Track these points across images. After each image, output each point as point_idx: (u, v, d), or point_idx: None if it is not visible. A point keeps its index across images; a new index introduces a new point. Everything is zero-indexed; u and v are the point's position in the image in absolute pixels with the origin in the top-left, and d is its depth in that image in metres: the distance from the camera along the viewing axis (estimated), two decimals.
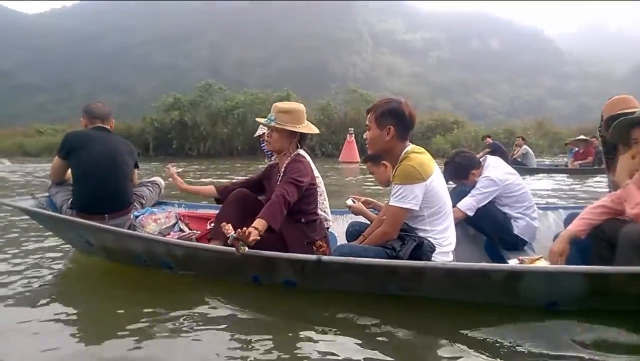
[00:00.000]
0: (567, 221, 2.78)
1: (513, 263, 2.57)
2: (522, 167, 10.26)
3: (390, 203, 2.46)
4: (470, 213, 3.03)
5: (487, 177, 3.07)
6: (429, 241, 2.43)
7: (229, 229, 2.41)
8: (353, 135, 16.47)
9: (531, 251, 3.02)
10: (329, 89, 26.40)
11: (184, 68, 66.30)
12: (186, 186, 3.30)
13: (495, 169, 3.13)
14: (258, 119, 3.14)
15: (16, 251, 3.65)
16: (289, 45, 67.89)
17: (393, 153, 2.51)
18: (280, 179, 2.85)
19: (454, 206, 2.77)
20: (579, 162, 11.61)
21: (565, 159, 12.87)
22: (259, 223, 2.45)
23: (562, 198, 6.62)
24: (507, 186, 3.06)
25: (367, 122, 2.55)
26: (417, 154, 2.45)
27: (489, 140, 13.38)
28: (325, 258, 2.40)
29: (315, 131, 3.04)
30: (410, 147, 2.51)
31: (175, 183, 3.34)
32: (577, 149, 12.16)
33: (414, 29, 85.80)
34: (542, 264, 2.44)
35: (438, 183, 2.46)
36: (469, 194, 3.09)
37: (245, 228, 2.38)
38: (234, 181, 3.27)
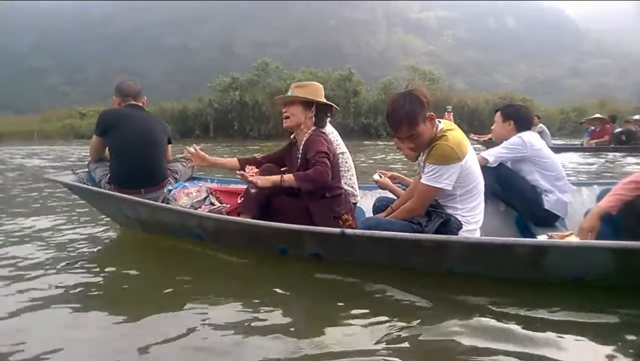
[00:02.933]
0: (600, 197, 2.75)
1: (542, 239, 2.52)
2: None
3: (422, 181, 2.48)
4: (491, 159, 3.08)
5: (518, 136, 3.13)
6: (455, 218, 2.46)
7: (251, 171, 2.81)
8: (452, 113, 16.45)
9: (562, 228, 3.02)
10: (336, 70, 25.99)
11: (197, 49, 66.13)
12: (209, 158, 3.23)
13: (527, 134, 3.16)
14: (276, 98, 3.22)
15: (58, 223, 3.89)
16: (303, 26, 67.23)
17: (426, 134, 2.48)
18: (300, 155, 2.96)
19: None
20: (595, 140, 11.51)
21: (581, 140, 12.77)
22: (288, 177, 2.74)
23: (577, 178, 6.65)
24: (536, 150, 3.08)
25: None
26: (453, 133, 2.46)
27: None
28: (349, 231, 2.47)
29: (333, 105, 3.12)
30: (443, 124, 2.53)
31: (198, 161, 3.24)
32: (593, 128, 12.05)
33: (428, 8, 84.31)
34: (573, 240, 2.39)
35: (473, 161, 2.49)
36: (497, 147, 3.16)
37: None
38: (256, 155, 3.36)
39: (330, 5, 70.61)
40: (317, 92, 3.00)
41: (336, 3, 70.70)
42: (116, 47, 65.84)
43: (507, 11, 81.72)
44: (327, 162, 2.76)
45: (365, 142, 19.17)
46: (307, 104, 2.96)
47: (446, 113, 16.34)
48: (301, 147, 2.97)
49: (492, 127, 3.40)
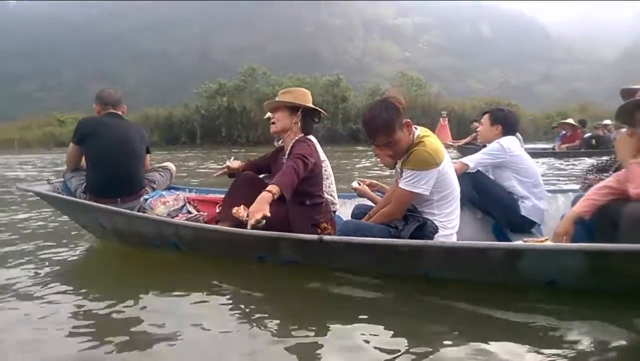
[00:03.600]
0: (574, 203, 2.78)
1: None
2: None
3: (400, 186, 2.53)
4: (471, 165, 3.12)
5: (497, 142, 3.19)
6: (432, 222, 2.51)
7: (240, 212, 2.50)
8: (446, 118, 16.50)
9: (538, 234, 3.06)
10: (324, 76, 26.06)
11: (174, 54, 65.52)
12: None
13: (507, 139, 3.20)
14: (265, 103, 3.22)
15: (31, 234, 3.79)
16: (279, 31, 67.23)
17: (403, 141, 2.52)
18: (285, 161, 2.94)
19: None
20: (567, 145, 11.76)
21: (552, 144, 13.03)
22: (272, 188, 2.50)
23: (549, 181, 6.79)
24: (515, 157, 3.13)
25: None
26: (430, 139, 2.51)
27: (477, 124, 13.54)
28: (326, 237, 2.49)
29: (320, 110, 3.13)
30: (419, 130, 2.57)
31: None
32: (564, 132, 12.32)
33: (404, 14, 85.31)
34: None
35: (449, 166, 2.54)
36: (477, 153, 3.22)
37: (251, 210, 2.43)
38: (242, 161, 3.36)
39: (307, 11, 70.87)
40: (304, 97, 3.02)
41: (314, 9, 70.97)
42: (92, 52, 64.67)
43: (482, 18, 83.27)
44: (300, 163, 2.70)
45: (357, 147, 19.03)
46: (293, 109, 2.98)
47: (441, 118, 16.54)
48: (287, 152, 2.98)
49: (479, 129, 3.47)
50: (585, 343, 1.83)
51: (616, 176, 2.50)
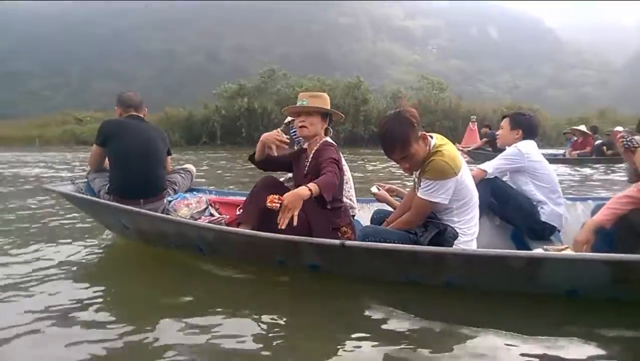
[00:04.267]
0: (594, 212, 2.77)
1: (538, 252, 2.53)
2: None
3: (419, 195, 2.53)
4: (489, 171, 3.12)
5: (515, 146, 3.18)
6: (452, 228, 2.49)
7: (275, 202, 2.49)
8: (476, 122, 16.44)
9: (558, 241, 3.04)
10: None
11: (181, 54, 65.66)
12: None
13: (525, 144, 3.20)
14: (286, 108, 3.21)
15: (56, 234, 3.85)
16: (288, 31, 67.29)
17: (420, 153, 2.51)
18: (308, 164, 2.97)
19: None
20: (577, 152, 11.72)
21: (563, 150, 12.98)
22: (313, 186, 2.48)
23: (564, 190, 6.76)
24: (533, 162, 3.12)
25: None
26: (447, 147, 2.50)
27: (486, 130, 13.52)
28: (348, 242, 2.46)
29: (340, 114, 3.16)
30: (436, 139, 2.56)
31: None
32: (575, 138, 12.28)
33: (412, 16, 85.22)
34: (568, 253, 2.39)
35: (467, 174, 2.53)
36: (495, 158, 3.22)
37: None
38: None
39: (316, 10, 70.84)
40: (328, 102, 3.05)
41: (322, 8, 70.92)
42: (98, 51, 64.94)
43: (489, 21, 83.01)
44: (337, 169, 2.75)
45: (378, 150, 18.86)
46: (325, 115, 3.01)
47: (470, 123, 16.48)
48: (310, 155, 2.99)
49: (498, 133, 3.44)
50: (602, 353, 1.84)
51: (637, 186, 2.50)
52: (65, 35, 68.83)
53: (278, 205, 2.47)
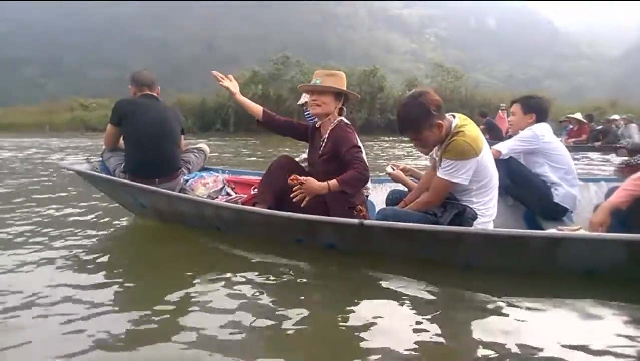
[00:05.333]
0: (609, 194, 2.80)
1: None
2: None
3: (439, 175, 2.53)
4: (504, 152, 3.15)
5: (530, 129, 3.21)
6: (471, 208, 2.51)
7: (296, 180, 2.68)
8: (505, 110, 16.39)
9: (570, 222, 3.07)
10: (329, 65, 25.89)
11: (177, 42, 64.98)
12: (239, 96, 3.22)
13: (539, 126, 3.23)
14: (301, 85, 3.28)
15: (72, 211, 3.92)
16: (285, 20, 66.76)
17: (431, 139, 2.55)
18: (323, 145, 3.00)
19: None
20: (573, 140, 11.81)
21: (559, 139, 13.03)
22: (335, 186, 2.67)
23: None
24: (547, 143, 3.16)
25: None
26: (469, 127, 2.50)
27: (481, 118, 13.56)
28: (367, 221, 2.51)
29: (358, 95, 3.20)
30: (457, 119, 2.56)
31: (229, 89, 3.18)
32: (571, 126, 12.36)
33: (409, 5, 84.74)
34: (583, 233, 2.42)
35: (487, 155, 2.54)
36: (510, 140, 3.23)
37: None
38: (279, 116, 3.31)
39: None
40: (344, 81, 3.04)
41: None
42: (93, 38, 64.15)
43: (487, 11, 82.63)
44: (362, 156, 2.80)
45: (392, 137, 18.52)
46: (338, 94, 3.00)
47: (500, 111, 16.43)
48: (325, 135, 3.01)
49: (510, 120, 3.46)
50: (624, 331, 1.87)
51: None
52: (58, 23, 67.95)
53: (297, 183, 2.65)
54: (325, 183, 2.67)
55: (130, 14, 70.22)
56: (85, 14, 69.47)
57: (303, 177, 2.69)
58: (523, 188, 3.15)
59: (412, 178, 3.34)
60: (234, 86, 3.21)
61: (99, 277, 2.45)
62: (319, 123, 3.16)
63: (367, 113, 23.01)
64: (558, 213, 3.11)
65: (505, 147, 3.19)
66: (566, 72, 63.52)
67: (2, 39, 60.64)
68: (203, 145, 4.08)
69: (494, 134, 11.32)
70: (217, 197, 3.28)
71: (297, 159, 3.34)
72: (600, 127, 12.26)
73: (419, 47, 71.17)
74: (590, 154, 10.25)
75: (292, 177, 2.68)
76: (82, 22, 67.53)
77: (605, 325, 1.92)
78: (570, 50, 72.09)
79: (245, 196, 3.35)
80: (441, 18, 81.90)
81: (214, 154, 9.00)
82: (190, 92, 25.72)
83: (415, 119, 2.47)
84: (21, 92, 41.55)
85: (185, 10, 69.85)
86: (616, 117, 12.72)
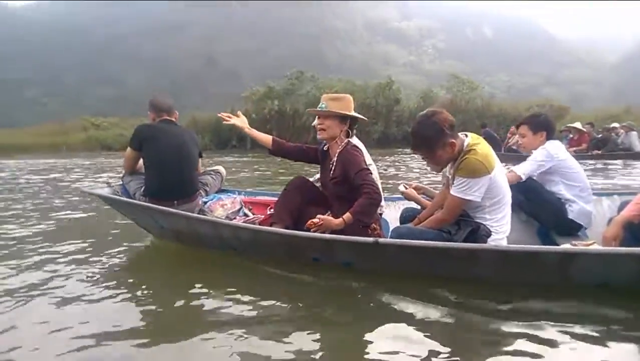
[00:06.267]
0: (621, 208, 2.80)
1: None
2: (516, 155, 10.13)
3: (452, 193, 2.58)
4: (524, 177, 3.15)
5: (543, 147, 3.22)
6: (484, 225, 2.54)
7: (314, 221, 2.76)
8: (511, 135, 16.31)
9: (584, 237, 3.06)
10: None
11: (177, 59, 65.36)
12: (249, 129, 3.42)
13: (552, 144, 3.25)
14: (309, 110, 3.38)
15: (92, 233, 4.03)
16: (284, 34, 67.19)
17: (444, 158, 2.63)
18: (333, 168, 3.05)
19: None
20: (574, 148, 11.78)
21: None
22: (349, 220, 2.74)
23: None
24: (562, 161, 3.17)
25: None
26: (481, 146, 2.55)
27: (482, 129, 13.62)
28: (382, 240, 2.54)
29: (364, 118, 3.26)
30: (470, 138, 2.62)
31: (236, 125, 3.42)
32: (571, 135, 12.40)
33: (408, 17, 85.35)
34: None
35: (500, 173, 2.58)
36: (526, 160, 3.24)
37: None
38: (288, 143, 3.45)
39: (310, 13, 70.81)
40: (350, 105, 3.10)
41: (317, 11, 70.87)
42: (93, 57, 64.52)
43: (484, 21, 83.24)
44: (372, 177, 2.85)
45: (407, 149, 18.54)
46: (343, 118, 3.06)
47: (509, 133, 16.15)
48: (335, 158, 3.08)
49: (521, 142, 3.48)
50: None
51: None
52: (58, 42, 68.39)
53: (314, 227, 2.75)
54: (340, 219, 2.74)
55: (128, 33, 70.53)
56: (84, 34, 69.81)
57: (317, 219, 2.76)
58: (537, 204, 3.17)
59: (424, 196, 3.39)
60: (241, 121, 3.42)
61: (115, 294, 2.57)
62: (326, 146, 3.24)
63: (383, 126, 23.03)
64: (572, 229, 3.12)
65: (522, 172, 3.19)
66: (565, 80, 63.71)
67: (5, 60, 60.95)
68: (220, 167, 4.18)
69: (492, 145, 11.32)
70: (234, 218, 3.34)
71: (311, 179, 3.42)
72: (600, 135, 12.32)
73: (418, 59, 71.67)
74: (593, 163, 10.29)
75: (308, 223, 2.76)
76: (81, 42, 67.87)
77: (618, 337, 1.97)
78: (568, 58, 72.39)
79: (262, 217, 3.42)
80: (439, 30, 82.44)
81: (231, 176, 9.01)
82: (192, 107, 25.69)
83: (429, 138, 2.54)
84: (24, 112, 41.89)
85: (183, 27, 70.23)
86: (616, 125, 12.78)
